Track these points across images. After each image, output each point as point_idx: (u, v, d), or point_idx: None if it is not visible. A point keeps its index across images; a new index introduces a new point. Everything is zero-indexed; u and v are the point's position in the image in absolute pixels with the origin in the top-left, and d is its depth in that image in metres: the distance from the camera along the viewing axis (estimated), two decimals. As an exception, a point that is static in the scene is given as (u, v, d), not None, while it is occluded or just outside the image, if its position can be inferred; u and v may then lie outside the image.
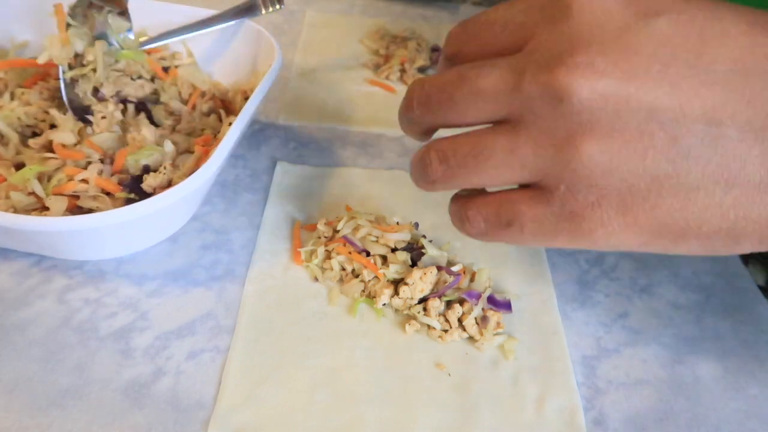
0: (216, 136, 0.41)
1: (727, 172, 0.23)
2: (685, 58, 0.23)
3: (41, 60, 0.40)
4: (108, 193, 0.36)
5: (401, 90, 0.57)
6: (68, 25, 0.40)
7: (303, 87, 0.56)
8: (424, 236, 0.39)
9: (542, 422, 0.31)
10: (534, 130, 0.24)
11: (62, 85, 0.41)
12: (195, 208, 0.39)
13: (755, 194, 0.23)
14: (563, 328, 0.36)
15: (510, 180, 0.25)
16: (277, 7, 0.47)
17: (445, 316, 0.35)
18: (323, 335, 0.34)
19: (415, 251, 0.37)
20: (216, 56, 0.48)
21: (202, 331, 0.34)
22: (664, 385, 0.34)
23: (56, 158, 0.37)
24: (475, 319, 0.35)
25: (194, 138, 0.41)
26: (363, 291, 0.36)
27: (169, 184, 0.36)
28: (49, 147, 0.38)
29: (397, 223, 0.40)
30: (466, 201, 0.27)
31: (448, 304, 0.35)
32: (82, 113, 0.41)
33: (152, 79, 0.46)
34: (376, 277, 0.36)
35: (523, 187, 0.26)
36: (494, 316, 0.35)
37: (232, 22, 0.46)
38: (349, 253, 0.37)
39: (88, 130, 0.40)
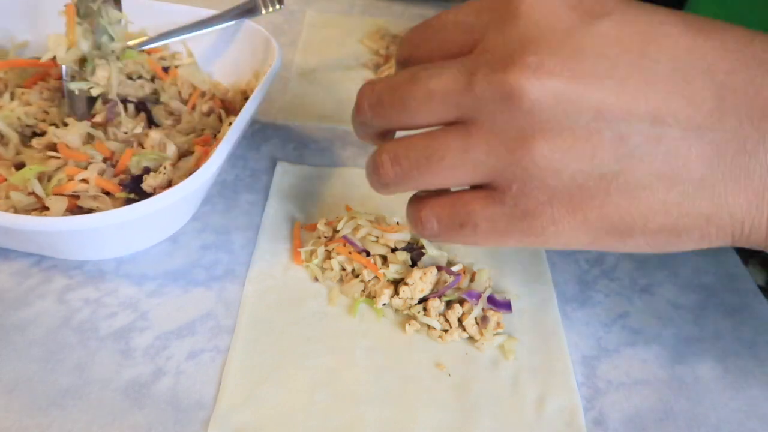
0: (216, 136, 0.41)
1: (670, 169, 0.23)
2: (629, 58, 0.23)
3: (44, 58, 0.40)
4: (108, 193, 0.36)
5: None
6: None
7: (303, 87, 0.56)
8: (424, 236, 0.39)
9: (542, 422, 0.31)
10: (486, 130, 0.24)
11: (66, 87, 0.40)
12: (195, 208, 0.39)
13: (696, 191, 0.23)
14: (563, 328, 0.36)
15: (464, 181, 0.25)
16: (277, 7, 0.47)
17: (445, 316, 0.35)
18: (323, 335, 0.34)
19: (415, 251, 0.37)
20: (216, 56, 0.48)
21: (202, 331, 0.34)
22: (664, 385, 0.34)
23: (58, 158, 0.37)
24: (475, 319, 0.35)
25: (194, 138, 0.41)
26: (363, 291, 0.36)
27: (169, 184, 0.36)
28: (52, 146, 0.38)
29: (397, 223, 0.40)
30: (419, 202, 0.27)
31: (448, 304, 0.35)
32: (83, 114, 0.41)
33: (152, 79, 0.46)
34: (376, 277, 0.36)
35: (477, 187, 0.26)
36: (494, 316, 0.35)
37: (232, 22, 0.46)
38: (349, 253, 0.37)
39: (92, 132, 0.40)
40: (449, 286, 0.36)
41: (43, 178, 0.36)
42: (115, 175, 0.37)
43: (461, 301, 0.35)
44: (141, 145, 0.40)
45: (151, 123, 0.43)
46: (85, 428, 0.29)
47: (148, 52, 0.46)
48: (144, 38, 0.46)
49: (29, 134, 0.40)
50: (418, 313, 0.35)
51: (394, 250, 0.37)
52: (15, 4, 0.47)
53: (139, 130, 0.40)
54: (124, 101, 0.42)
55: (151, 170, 0.37)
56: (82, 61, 0.40)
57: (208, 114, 0.44)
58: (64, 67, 0.40)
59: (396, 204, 0.43)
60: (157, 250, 0.38)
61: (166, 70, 0.46)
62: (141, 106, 0.43)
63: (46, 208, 0.34)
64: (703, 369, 0.35)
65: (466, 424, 0.31)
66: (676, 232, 0.24)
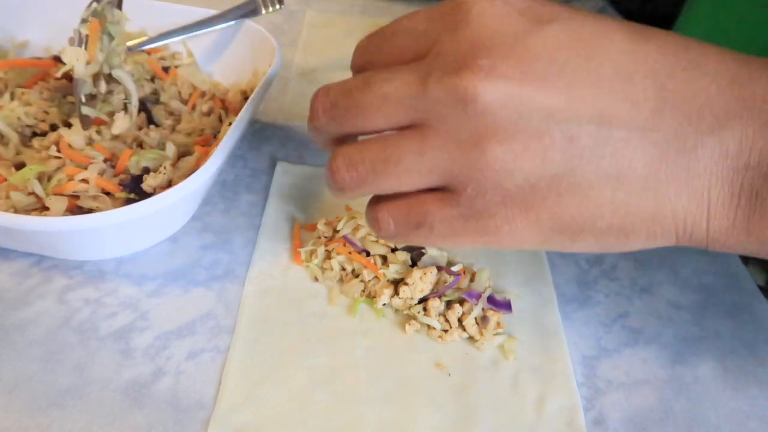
0: (216, 136, 0.41)
1: (616, 170, 0.24)
2: (577, 61, 0.24)
3: (59, 74, 0.39)
4: (108, 193, 0.36)
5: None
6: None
7: (303, 87, 0.56)
8: (424, 236, 0.39)
9: (542, 422, 0.31)
10: (440, 133, 0.24)
11: (79, 100, 0.40)
12: (195, 208, 0.39)
13: (641, 191, 0.24)
14: (563, 328, 0.36)
15: (420, 184, 0.26)
16: (277, 7, 0.47)
17: (445, 316, 0.35)
18: (323, 335, 0.34)
19: (415, 251, 0.37)
20: (216, 56, 0.48)
21: (202, 331, 0.34)
22: (664, 385, 0.34)
23: (58, 158, 0.37)
24: (475, 319, 0.35)
25: (194, 138, 0.41)
26: (363, 291, 0.36)
27: (169, 184, 0.36)
28: (54, 145, 0.38)
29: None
30: (377, 203, 0.28)
31: (448, 304, 0.35)
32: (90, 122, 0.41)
33: (152, 79, 0.46)
34: (376, 277, 0.36)
35: (433, 188, 0.26)
36: (494, 316, 0.35)
37: (232, 22, 0.46)
38: (349, 253, 0.37)
39: (95, 135, 0.40)
40: (449, 286, 0.36)
41: (43, 178, 0.36)
42: (115, 175, 0.37)
43: (461, 301, 0.35)
44: (140, 146, 0.40)
45: (151, 123, 0.43)
46: (85, 428, 0.29)
47: (148, 52, 0.46)
48: (144, 38, 0.46)
49: (29, 134, 0.40)
50: (418, 313, 0.35)
51: (394, 250, 0.37)
52: (15, 4, 0.47)
53: (152, 140, 0.40)
54: (125, 101, 0.42)
55: (151, 170, 0.37)
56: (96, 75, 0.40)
57: (208, 114, 0.44)
58: (78, 81, 0.39)
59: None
60: (157, 250, 0.38)
61: (166, 70, 0.46)
62: (141, 106, 0.43)
63: (46, 208, 0.34)
64: (703, 369, 0.35)
65: (466, 424, 0.31)
66: (624, 232, 0.25)
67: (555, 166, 0.24)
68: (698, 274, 0.41)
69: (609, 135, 0.24)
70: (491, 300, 0.36)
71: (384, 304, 0.36)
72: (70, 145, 0.37)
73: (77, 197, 0.35)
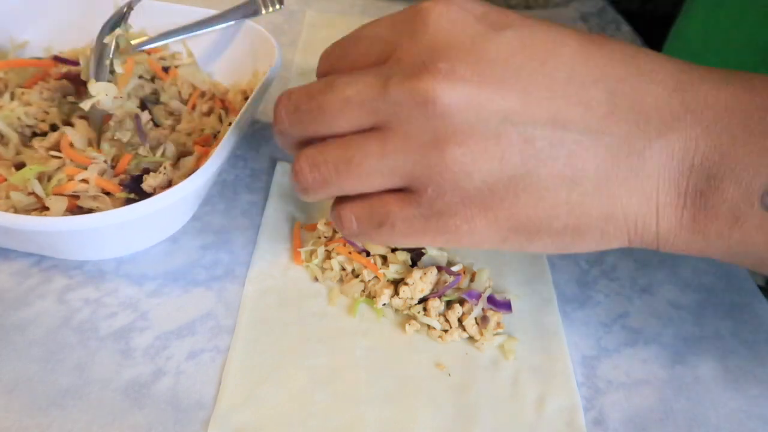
0: (216, 136, 0.41)
1: (571, 171, 0.25)
2: (532, 66, 0.25)
3: (87, 106, 0.38)
4: (108, 193, 0.36)
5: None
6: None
7: (303, 87, 0.56)
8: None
9: (542, 422, 0.31)
10: (401, 134, 0.25)
11: (98, 130, 0.40)
12: (195, 208, 0.39)
13: (594, 192, 0.25)
14: (563, 328, 0.36)
15: (382, 185, 0.26)
16: (277, 7, 0.47)
17: (445, 316, 0.35)
18: (323, 335, 0.34)
19: (415, 251, 0.37)
20: (216, 56, 0.48)
21: (202, 331, 0.34)
22: (664, 385, 0.34)
23: (58, 158, 0.37)
24: (475, 319, 0.35)
25: (194, 138, 0.41)
26: (363, 291, 0.36)
27: (169, 184, 0.36)
28: (54, 146, 0.38)
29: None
30: (341, 202, 0.28)
31: (448, 304, 0.35)
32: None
33: (152, 79, 0.46)
34: (376, 277, 0.36)
35: (395, 189, 0.27)
36: (494, 316, 0.35)
37: (232, 22, 0.46)
38: (349, 253, 0.37)
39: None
40: (449, 286, 0.36)
41: (43, 178, 0.36)
42: (115, 176, 0.37)
43: (461, 301, 0.35)
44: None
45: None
46: (85, 428, 0.29)
47: (148, 52, 0.46)
48: (144, 38, 0.46)
49: (29, 134, 0.40)
50: (418, 313, 0.35)
51: (394, 250, 0.37)
52: (15, 4, 0.47)
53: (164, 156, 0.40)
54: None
55: (151, 170, 0.37)
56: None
57: (208, 114, 0.44)
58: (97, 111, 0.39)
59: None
60: (157, 250, 0.38)
61: (166, 70, 0.46)
62: (141, 106, 0.43)
63: (46, 208, 0.34)
64: (703, 369, 0.35)
65: (466, 424, 0.31)
66: (579, 232, 0.26)
67: (512, 167, 0.25)
68: (698, 274, 0.41)
69: (563, 137, 0.24)
70: (491, 300, 0.36)
71: (384, 304, 0.36)
72: (71, 145, 0.37)
73: (77, 197, 0.35)
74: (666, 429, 0.32)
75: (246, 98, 0.44)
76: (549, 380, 0.33)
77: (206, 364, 0.32)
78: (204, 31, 0.46)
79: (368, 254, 0.37)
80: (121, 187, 0.36)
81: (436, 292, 0.36)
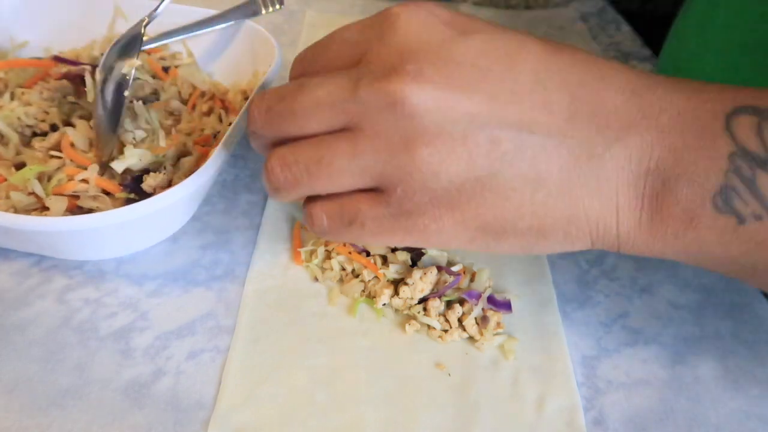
0: (216, 136, 0.41)
1: (535, 173, 0.25)
2: (498, 69, 0.25)
3: (120, 169, 0.36)
4: (108, 193, 0.36)
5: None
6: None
7: (303, 87, 0.56)
8: (424, 236, 0.39)
9: (542, 422, 0.31)
10: (371, 135, 0.25)
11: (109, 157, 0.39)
12: (195, 208, 0.39)
13: (557, 194, 0.26)
14: (563, 328, 0.36)
15: (352, 185, 0.27)
16: (277, 7, 0.47)
17: (445, 316, 0.35)
18: (323, 335, 0.34)
19: (415, 251, 0.37)
20: (216, 56, 0.48)
21: (202, 331, 0.34)
22: (664, 385, 0.34)
23: (58, 158, 0.37)
24: (475, 319, 0.35)
25: (194, 138, 0.41)
26: (363, 291, 0.36)
27: (169, 184, 0.36)
28: (55, 146, 0.38)
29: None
30: (312, 200, 0.29)
31: (448, 304, 0.35)
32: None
33: (152, 79, 0.45)
34: (376, 277, 0.36)
35: (365, 189, 0.27)
36: (494, 316, 0.35)
37: (232, 22, 0.46)
38: (349, 253, 0.37)
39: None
40: (449, 286, 0.36)
41: (43, 178, 0.36)
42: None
43: (461, 301, 0.35)
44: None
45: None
46: (85, 428, 0.29)
47: (148, 52, 0.46)
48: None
49: (29, 134, 0.40)
50: (418, 313, 0.35)
51: (394, 250, 0.37)
52: (15, 4, 0.47)
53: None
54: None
55: (151, 170, 0.37)
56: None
57: (208, 114, 0.44)
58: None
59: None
60: (157, 250, 0.38)
61: (166, 70, 0.46)
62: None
63: (47, 208, 0.34)
64: (703, 369, 0.35)
65: (466, 424, 0.31)
66: (543, 233, 0.27)
67: (479, 168, 0.25)
68: (698, 274, 0.41)
69: (528, 140, 0.25)
70: (491, 300, 0.36)
71: (384, 304, 0.36)
72: (72, 145, 0.37)
73: (77, 197, 0.35)
74: (666, 429, 0.32)
75: (246, 98, 0.44)
76: (549, 380, 0.33)
77: (206, 364, 0.32)
78: (204, 31, 0.46)
79: (368, 254, 0.37)
80: (121, 188, 0.36)
81: (436, 292, 0.36)
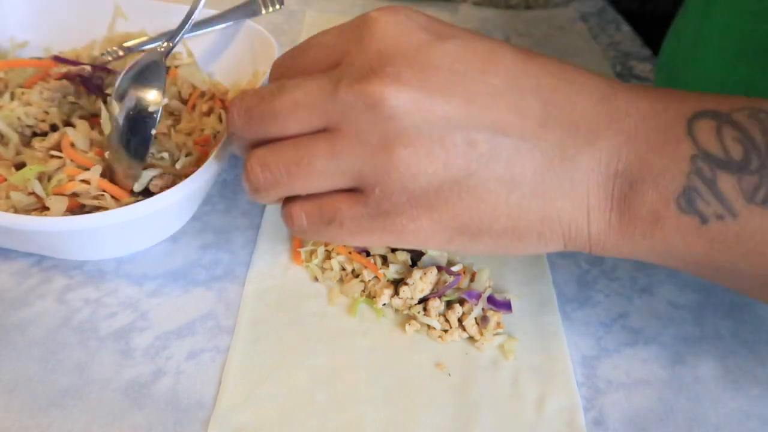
0: (216, 136, 0.41)
1: (510, 175, 0.26)
2: (473, 74, 0.26)
3: (137, 188, 0.36)
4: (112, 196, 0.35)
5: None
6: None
7: (303, 87, 0.56)
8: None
9: (542, 422, 0.31)
10: (351, 136, 0.26)
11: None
12: (195, 208, 0.39)
13: (531, 195, 0.26)
14: (563, 328, 0.36)
15: (332, 185, 0.27)
16: (277, 7, 0.47)
17: (445, 316, 0.35)
18: (323, 335, 0.34)
19: (415, 251, 0.37)
20: (216, 56, 0.48)
21: (202, 331, 0.34)
22: (664, 385, 0.34)
23: (59, 157, 0.37)
24: (475, 319, 0.35)
25: (194, 138, 0.41)
26: (363, 291, 0.36)
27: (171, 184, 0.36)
28: (55, 147, 0.38)
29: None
30: (291, 200, 0.29)
31: (448, 304, 0.35)
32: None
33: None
34: (376, 277, 0.36)
35: (345, 189, 0.27)
36: (494, 316, 0.35)
37: (232, 22, 0.46)
38: (349, 253, 0.37)
39: (96, 136, 0.39)
40: (449, 286, 0.36)
41: (44, 178, 0.36)
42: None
43: (461, 301, 0.35)
44: None
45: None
46: (85, 428, 0.29)
47: (148, 52, 0.46)
48: (144, 38, 0.46)
49: (29, 134, 0.40)
50: (418, 313, 0.35)
51: (394, 250, 0.37)
52: (15, 4, 0.47)
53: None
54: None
55: (149, 166, 0.37)
56: None
57: (208, 114, 0.44)
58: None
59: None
60: (157, 250, 0.38)
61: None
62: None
63: (47, 208, 0.34)
64: (703, 369, 0.35)
65: (466, 424, 0.31)
66: (518, 234, 0.27)
67: (456, 169, 0.26)
68: (698, 274, 0.41)
69: (503, 142, 0.26)
70: (491, 300, 0.36)
71: (384, 304, 0.36)
72: (72, 145, 0.37)
73: (78, 197, 0.35)
74: (666, 429, 0.32)
75: (246, 98, 0.44)
76: (549, 380, 0.33)
77: (206, 364, 0.32)
78: (204, 31, 0.46)
79: (368, 254, 0.37)
80: (129, 193, 0.35)
81: (436, 292, 0.36)
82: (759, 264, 0.26)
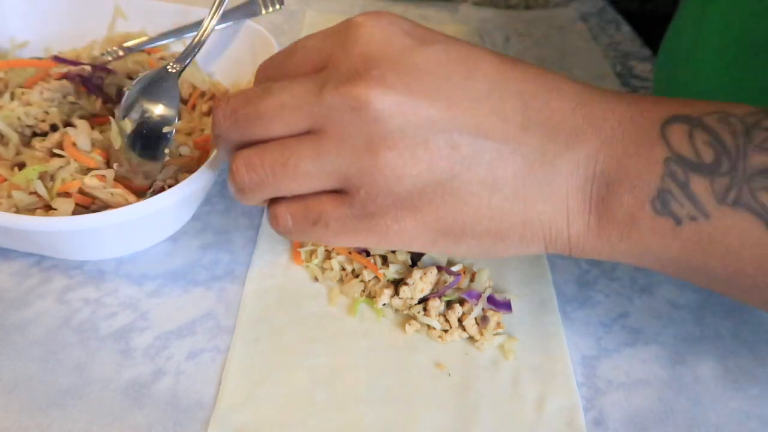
0: (216, 136, 0.41)
1: (492, 178, 0.27)
2: (456, 78, 0.26)
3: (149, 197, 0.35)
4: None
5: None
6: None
7: (303, 87, 0.56)
8: (424, 236, 0.39)
9: (542, 422, 0.31)
10: (336, 138, 0.26)
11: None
12: (195, 208, 0.39)
13: (513, 198, 0.27)
14: (563, 328, 0.36)
15: (317, 186, 0.27)
16: (277, 7, 0.47)
17: (445, 316, 0.35)
18: (323, 335, 0.34)
19: (415, 251, 0.37)
20: (216, 56, 0.48)
21: (202, 331, 0.34)
22: (664, 385, 0.34)
23: (61, 156, 0.37)
24: (475, 319, 0.35)
25: (194, 138, 0.41)
26: (363, 291, 0.36)
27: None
28: (56, 147, 0.38)
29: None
30: (276, 201, 0.29)
31: (448, 304, 0.35)
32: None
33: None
34: (376, 277, 0.36)
35: (330, 190, 0.28)
36: (494, 316, 0.35)
37: (232, 22, 0.46)
38: (349, 253, 0.37)
39: (97, 135, 0.39)
40: (449, 286, 0.36)
41: (46, 177, 0.36)
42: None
43: (461, 301, 0.35)
44: None
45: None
46: (85, 428, 0.29)
47: (148, 52, 0.46)
48: (144, 38, 0.46)
49: (29, 134, 0.40)
50: (418, 313, 0.35)
51: (394, 250, 0.37)
52: (15, 4, 0.47)
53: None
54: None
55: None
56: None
57: (208, 114, 0.44)
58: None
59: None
60: (157, 250, 0.38)
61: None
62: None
63: (49, 207, 0.34)
64: (703, 369, 0.35)
65: (466, 424, 0.31)
66: (500, 236, 0.28)
67: (440, 172, 0.26)
68: (698, 274, 0.41)
69: (485, 145, 0.26)
70: (491, 300, 0.36)
71: (384, 304, 0.36)
72: (74, 144, 0.37)
73: (90, 192, 0.35)
74: (666, 429, 0.32)
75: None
76: (549, 380, 0.33)
77: (206, 364, 0.32)
78: (204, 31, 0.46)
79: (368, 254, 0.37)
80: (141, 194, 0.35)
81: (436, 292, 0.36)
82: (731, 264, 0.27)
